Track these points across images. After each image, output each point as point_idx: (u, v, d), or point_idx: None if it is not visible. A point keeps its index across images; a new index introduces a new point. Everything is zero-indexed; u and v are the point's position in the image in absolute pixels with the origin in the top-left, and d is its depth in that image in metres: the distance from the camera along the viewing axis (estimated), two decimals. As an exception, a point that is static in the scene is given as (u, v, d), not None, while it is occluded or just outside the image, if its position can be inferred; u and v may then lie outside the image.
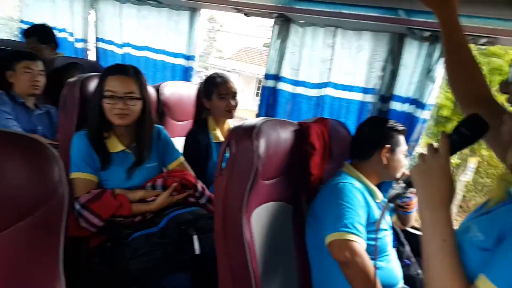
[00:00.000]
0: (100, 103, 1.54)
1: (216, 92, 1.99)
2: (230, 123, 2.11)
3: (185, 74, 2.64)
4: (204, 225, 1.50)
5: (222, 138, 2.01)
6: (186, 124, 2.29)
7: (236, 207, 1.23)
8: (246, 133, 1.27)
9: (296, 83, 2.17)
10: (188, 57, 2.63)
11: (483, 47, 1.63)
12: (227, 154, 1.28)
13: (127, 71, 1.57)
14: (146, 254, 1.42)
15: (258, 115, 2.32)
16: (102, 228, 1.48)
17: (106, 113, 1.55)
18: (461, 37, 1.09)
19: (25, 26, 3.47)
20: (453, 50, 1.10)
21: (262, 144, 1.26)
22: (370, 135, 1.53)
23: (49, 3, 3.18)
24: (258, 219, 1.31)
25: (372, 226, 1.39)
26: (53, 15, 3.14)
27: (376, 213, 1.44)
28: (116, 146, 1.61)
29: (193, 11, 2.54)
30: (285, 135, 1.40)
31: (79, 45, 3.08)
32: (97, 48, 2.99)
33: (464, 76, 1.09)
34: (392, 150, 1.50)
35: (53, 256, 0.89)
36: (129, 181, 1.61)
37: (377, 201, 1.50)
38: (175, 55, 2.66)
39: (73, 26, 3.06)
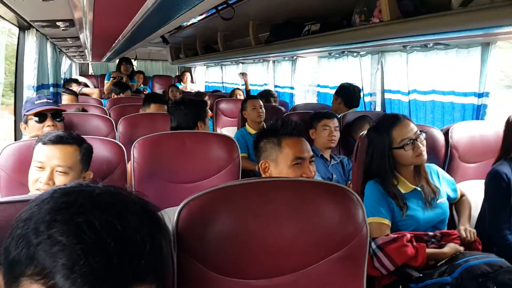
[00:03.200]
0: (390, 153, 1.69)
1: None
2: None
3: (477, 113, 2.45)
4: (507, 280, 1.34)
5: None
6: (477, 167, 2.12)
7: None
8: None
9: None
10: (480, 95, 2.45)
11: None
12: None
13: (404, 116, 1.74)
14: None
15: None
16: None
17: (408, 159, 1.69)
18: None
19: (320, 89, 4.17)
20: None
21: None
22: None
23: (341, 66, 3.71)
24: None
25: None
26: (344, 75, 3.63)
27: None
28: (407, 186, 1.72)
29: (486, 45, 2.38)
30: None
31: (367, 99, 3.42)
32: (383, 99, 3.23)
33: None
34: None
35: (358, 286, 1.04)
36: (427, 216, 1.69)
37: None
38: (465, 94, 2.53)
39: (362, 82, 3.43)
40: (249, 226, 0.96)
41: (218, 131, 3.96)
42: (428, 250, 1.55)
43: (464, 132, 2.11)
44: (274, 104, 4.09)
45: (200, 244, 0.93)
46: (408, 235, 1.55)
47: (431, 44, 2.58)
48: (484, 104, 2.43)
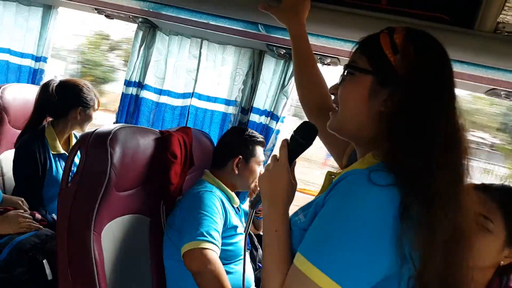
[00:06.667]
0: None
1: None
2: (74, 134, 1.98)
3: (33, 76, 2.34)
4: (55, 248, 1.34)
5: (62, 150, 1.83)
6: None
7: (83, 223, 1.11)
8: (99, 140, 1.16)
9: (160, 92, 2.10)
10: (38, 58, 2.34)
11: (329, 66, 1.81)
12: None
13: None
14: None
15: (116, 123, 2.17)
16: None
17: None
18: (309, 52, 1.18)
19: None
20: (301, 63, 1.18)
21: (117, 152, 1.17)
22: (226, 145, 1.58)
23: None
24: (111, 234, 1.21)
25: (230, 231, 1.44)
26: None
27: (234, 218, 1.48)
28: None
29: (48, 8, 2.28)
30: (145, 143, 1.33)
31: None
32: None
33: (310, 87, 1.17)
34: (246, 160, 1.55)
35: None
36: None
37: (235, 205, 1.56)
38: (22, 55, 2.34)
39: None
40: None
41: None
42: None
43: (16, 94, 1.94)
44: None
45: None
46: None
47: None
48: (42, 68, 2.35)
